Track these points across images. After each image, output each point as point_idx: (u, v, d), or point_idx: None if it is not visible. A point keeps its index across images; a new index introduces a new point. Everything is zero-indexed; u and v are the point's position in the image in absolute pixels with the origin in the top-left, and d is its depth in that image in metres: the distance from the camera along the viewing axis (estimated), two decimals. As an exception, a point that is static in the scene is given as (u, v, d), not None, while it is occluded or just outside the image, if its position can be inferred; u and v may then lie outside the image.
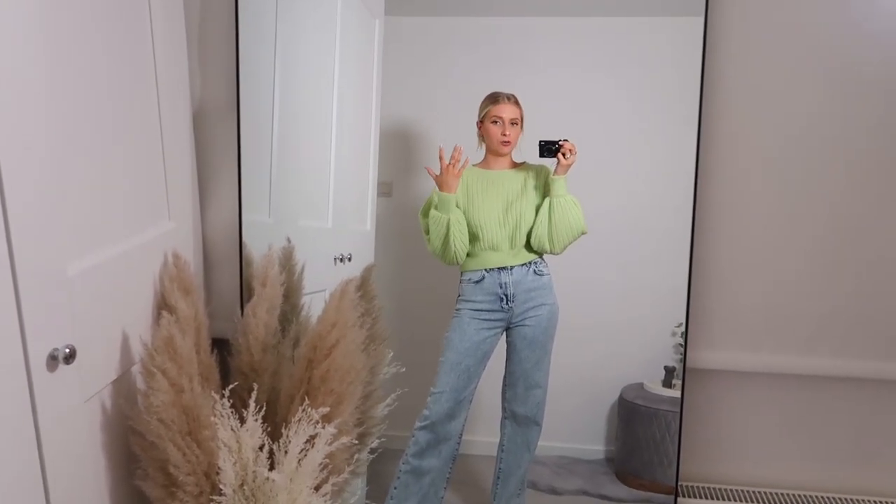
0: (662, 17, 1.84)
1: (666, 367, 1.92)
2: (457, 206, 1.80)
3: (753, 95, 1.75)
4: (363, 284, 1.78)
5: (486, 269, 1.82)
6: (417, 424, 1.84)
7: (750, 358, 1.88)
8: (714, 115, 1.76)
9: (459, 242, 1.80)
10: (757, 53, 1.73)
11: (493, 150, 1.83)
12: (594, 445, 2.03)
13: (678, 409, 1.86)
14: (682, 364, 1.87)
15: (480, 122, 1.82)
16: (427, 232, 1.83)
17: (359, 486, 1.91)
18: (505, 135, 1.80)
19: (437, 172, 1.78)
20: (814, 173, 1.78)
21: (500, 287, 1.82)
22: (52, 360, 1.20)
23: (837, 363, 1.85)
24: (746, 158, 1.78)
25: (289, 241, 1.79)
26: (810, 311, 1.85)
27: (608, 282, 1.95)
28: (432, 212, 1.80)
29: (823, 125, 1.75)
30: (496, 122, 1.80)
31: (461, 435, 1.89)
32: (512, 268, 1.82)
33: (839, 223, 1.79)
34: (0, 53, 1.06)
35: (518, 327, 1.84)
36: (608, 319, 1.96)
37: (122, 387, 1.46)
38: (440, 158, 1.77)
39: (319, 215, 1.93)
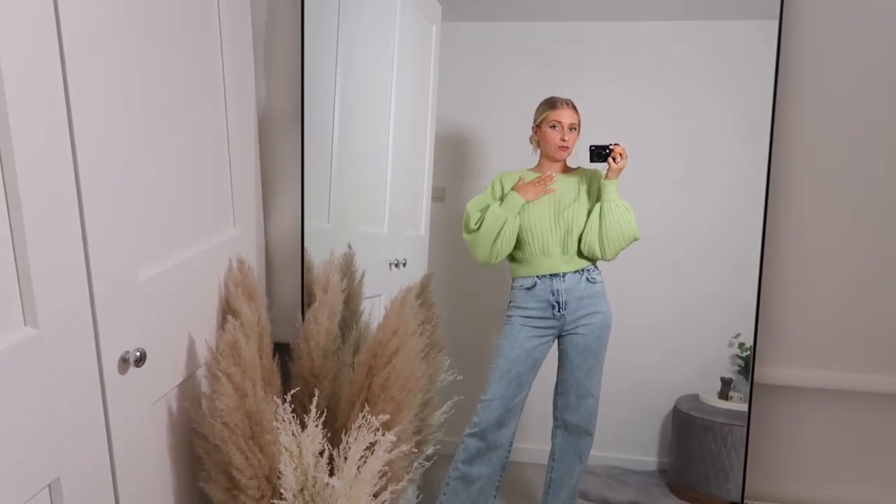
0: (722, 22, 1.80)
1: (722, 379, 1.88)
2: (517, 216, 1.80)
3: (830, 99, 1.70)
4: (422, 292, 1.79)
5: (537, 276, 1.81)
6: (467, 431, 1.84)
7: (821, 374, 1.83)
8: (787, 119, 1.72)
9: (506, 245, 1.80)
10: (836, 57, 1.68)
11: (550, 156, 1.82)
12: (647, 456, 2.00)
13: (735, 422, 1.83)
14: (739, 375, 1.84)
15: (537, 127, 1.81)
16: (476, 223, 1.82)
17: (411, 493, 1.92)
18: (564, 140, 1.79)
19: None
20: (895, 182, 1.73)
21: (553, 294, 1.81)
22: (123, 363, 1.23)
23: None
24: (822, 166, 1.73)
25: (349, 247, 1.81)
26: (886, 326, 1.79)
27: (664, 290, 1.92)
28: (494, 207, 1.80)
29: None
30: (555, 126, 1.79)
31: (511, 443, 1.88)
32: (564, 275, 1.81)
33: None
34: (79, 63, 1.09)
35: (570, 335, 1.83)
36: (663, 328, 1.93)
37: (188, 390, 1.49)
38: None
39: (376, 221, 1.94)
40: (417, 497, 1.93)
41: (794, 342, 1.84)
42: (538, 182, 1.80)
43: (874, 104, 1.69)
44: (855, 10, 1.65)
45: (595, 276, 1.82)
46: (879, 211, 1.74)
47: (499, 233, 1.79)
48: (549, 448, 1.91)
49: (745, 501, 1.88)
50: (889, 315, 1.79)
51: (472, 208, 1.84)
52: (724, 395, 1.89)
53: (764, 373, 1.85)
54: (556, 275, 1.81)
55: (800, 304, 1.82)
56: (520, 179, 1.81)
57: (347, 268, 1.77)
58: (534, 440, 1.96)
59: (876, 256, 1.77)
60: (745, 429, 1.83)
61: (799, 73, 1.70)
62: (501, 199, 1.82)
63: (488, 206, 1.82)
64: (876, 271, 1.77)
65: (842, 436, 1.90)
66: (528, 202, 1.80)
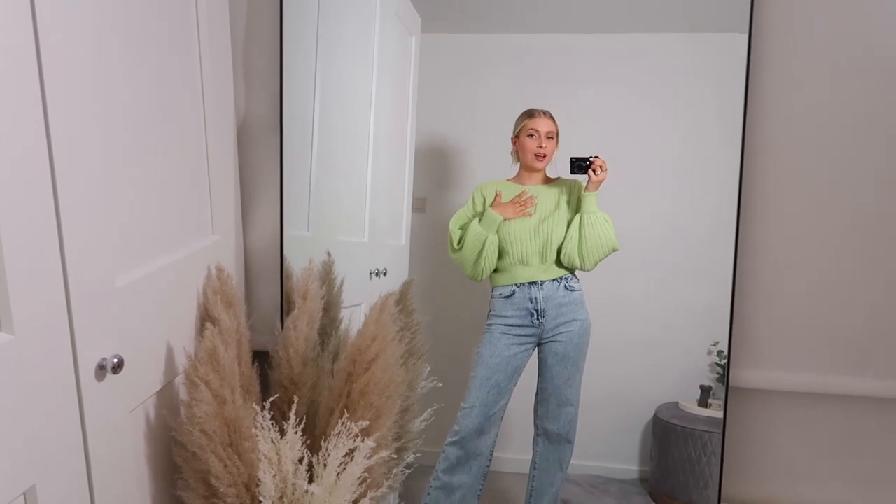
0: (699, 34, 1.84)
1: (702, 387, 1.90)
2: (497, 231, 1.81)
3: (799, 109, 1.73)
4: (402, 299, 1.79)
5: (516, 284, 1.82)
6: (448, 440, 1.83)
7: (795, 378, 1.85)
8: (758, 129, 1.75)
9: (489, 262, 1.82)
10: (803, 68, 1.72)
11: (528, 165, 1.83)
12: (627, 465, 2.01)
13: (714, 430, 1.84)
14: (718, 383, 1.85)
15: (515, 137, 1.83)
16: (458, 242, 1.84)
17: (391, 501, 1.91)
18: (541, 147, 1.81)
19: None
20: (864, 188, 1.75)
21: (531, 302, 1.82)
22: (101, 370, 1.23)
23: (887, 384, 1.81)
24: (791, 174, 1.77)
25: (329, 255, 1.81)
26: (858, 330, 1.81)
27: (643, 299, 1.93)
28: (474, 225, 1.81)
29: (873, 138, 1.72)
30: (532, 135, 1.81)
31: (492, 451, 1.88)
32: (542, 283, 1.82)
33: (890, 240, 1.76)
34: (56, 70, 1.09)
35: (549, 343, 1.84)
36: (643, 337, 1.94)
37: (166, 397, 1.48)
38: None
39: (356, 230, 1.95)
40: (398, 506, 1.93)
41: (767, 346, 1.86)
42: (517, 201, 1.82)
43: (840, 112, 1.73)
44: (818, 25, 1.69)
45: (573, 285, 1.83)
46: (848, 217, 1.78)
47: (480, 252, 1.80)
48: (530, 457, 1.91)
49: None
50: (859, 319, 1.81)
51: (454, 227, 1.85)
52: (703, 402, 1.90)
53: (739, 377, 1.86)
54: (534, 283, 1.82)
55: (773, 309, 1.84)
56: (496, 196, 1.82)
57: (327, 276, 1.77)
58: (515, 449, 1.96)
59: (846, 262, 1.80)
60: (722, 431, 1.85)
61: (769, 84, 1.74)
62: (482, 212, 1.83)
63: (469, 223, 1.83)
64: (846, 277, 1.80)
65: (816, 438, 1.92)
66: (502, 218, 1.81)
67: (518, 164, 1.86)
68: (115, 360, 1.24)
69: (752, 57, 1.71)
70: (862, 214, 1.77)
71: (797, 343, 1.85)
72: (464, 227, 1.83)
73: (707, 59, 1.83)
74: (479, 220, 1.81)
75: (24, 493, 1.08)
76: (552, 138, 1.82)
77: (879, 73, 1.70)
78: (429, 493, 1.86)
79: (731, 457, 1.92)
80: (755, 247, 1.81)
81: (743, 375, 1.86)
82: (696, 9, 1.82)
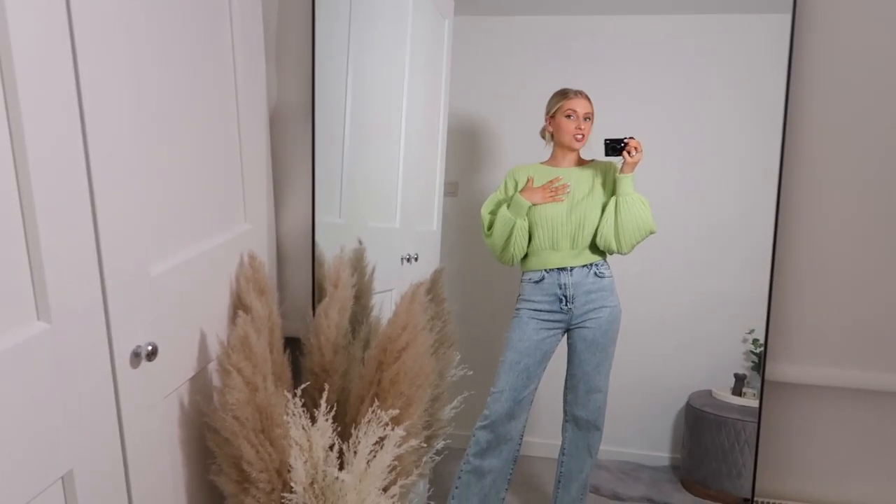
0: (736, 15, 1.79)
1: (736, 375, 1.87)
2: (526, 215, 1.80)
3: (843, 94, 1.68)
4: (433, 287, 1.79)
5: (545, 270, 1.81)
6: (478, 424, 1.84)
7: (832, 372, 1.82)
8: (800, 115, 1.70)
9: (519, 247, 1.81)
10: (848, 52, 1.66)
11: (566, 146, 1.81)
12: (659, 452, 2.00)
13: (748, 419, 1.82)
14: (752, 371, 1.83)
15: (551, 118, 1.81)
16: (489, 227, 1.83)
17: (422, 486, 1.93)
18: (580, 129, 1.78)
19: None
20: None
21: (560, 288, 1.81)
22: (136, 357, 1.24)
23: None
24: (834, 162, 1.72)
25: (360, 242, 1.81)
26: (897, 325, 1.78)
27: (677, 285, 1.91)
28: (503, 210, 1.80)
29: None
30: (570, 116, 1.78)
31: (522, 436, 1.88)
32: (572, 269, 1.80)
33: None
34: (92, 58, 1.10)
35: (578, 329, 1.83)
36: (676, 323, 1.92)
37: (199, 384, 1.50)
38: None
39: (388, 216, 1.95)
40: (428, 490, 1.94)
41: (805, 340, 1.82)
42: (547, 187, 1.80)
43: (886, 98, 1.67)
44: (870, 3, 1.63)
45: (603, 271, 1.82)
46: (893, 209, 1.73)
47: (509, 237, 1.80)
48: (559, 443, 1.91)
49: (755, 498, 1.87)
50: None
51: (485, 211, 1.85)
52: (737, 391, 1.88)
53: (775, 370, 1.84)
54: (563, 269, 1.81)
55: (811, 301, 1.80)
56: (528, 181, 1.81)
57: (358, 263, 1.77)
58: (544, 435, 1.96)
59: (888, 255, 1.75)
60: (757, 425, 1.83)
61: (812, 69, 1.68)
62: (513, 196, 1.82)
63: (499, 207, 1.82)
64: (888, 270, 1.76)
65: (853, 434, 1.88)
66: (531, 204, 1.80)
67: (551, 145, 1.84)
68: (150, 348, 1.26)
69: (794, 39, 1.65)
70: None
71: (837, 337, 1.81)
72: (494, 212, 1.82)
73: (745, 41, 1.78)
74: (509, 205, 1.79)
75: (62, 478, 1.11)
76: (589, 119, 1.79)
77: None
78: (459, 477, 1.87)
79: (765, 451, 1.90)
80: (795, 237, 1.77)
81: (780, 369, 1.83)
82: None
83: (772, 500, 1.93)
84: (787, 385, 1.86)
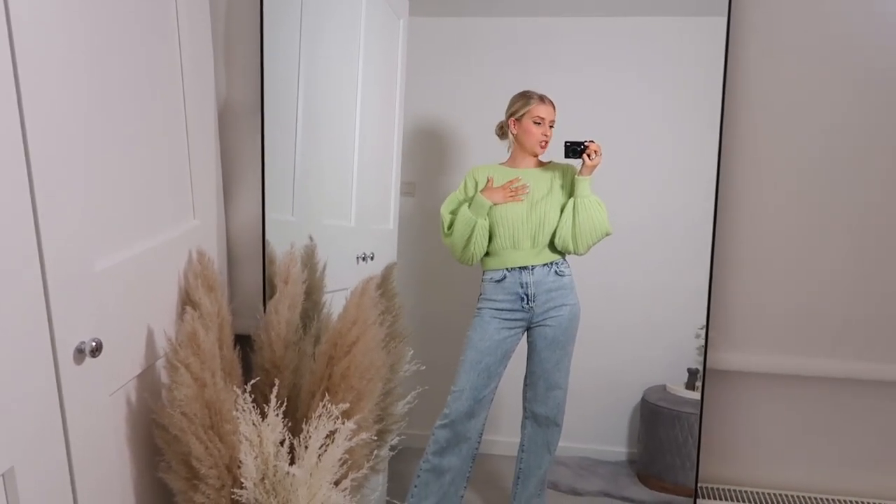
0: (685, 17, 1.82)
1: (689, 370, 1.90)
2: (487, 215, 1.81)
3: (776, 94, 1.73)
4: (384, 282, 1.80)
5: (507, 269, 1.83)
6: (437, 423, 1.85)
7: (771, 359, 1.86)
8: (736, 114, 1.75)
9: (479, 246, 1.82)
10: (780, 52, 1.71)
11: (530, 150, 1.82)
12: (616, 447, 2.02)
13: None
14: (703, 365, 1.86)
15: (516, 121, 1.82)
16: (449, 227, 1.84)
17: (379, 482, 1.93)
18: (546, 135, 1.80)
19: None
20: (838, 172, 1.76)
21: (521, 287, 1.82)
22: (79, 354, 1.23)
23: (861, 366, 1.83)
24: (768, 157, 1.77)
25: (311, 239, 1.81)
26: (833, 312, 1.82)
27: (632, 283, 1.94)
28: (464, 210, 1.81)
29: (848, 123, 1.72)
30: (538, 122, 1.80)
31: (481, 434, 1.89)
32: (533, 268, 1.82)
33: (864, 223, 1.77)
34: (31, 54, 1.09)
35: (539, 327, 1.84)
36: (631, 321, 1.95)
37: (147, 381, 1.49)
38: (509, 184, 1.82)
39: (342, 214, 1.95)
40: (386, 487, 1.94)
41: (744, 329, 1.87)
42: (507, 187, 1.81)
43: (819, 96, 1.73)
44: (799, 8, 1.69)
45: (563, 270, 1.83)
46: (825, 200, 1.78)
47: (469, 237, 1.80)
48: (518, 440, 1.92)
49: (699, 484, 1.90)
50: (834, 302, 1.82)
51: (445, 211, 1.85)
52: (690, 385, 1.91)
53: (716, 359, 1.87)
54: (525, 268, 1.82)
55: (749, 291, 1.85)
56: (488, 181, 1.82)
57: (309, 259, 1.77)
58: (504, 432, 1.97)
59: (821, 247, 1.80)
60: (699, 413, 1.86)
61: (746, 70, 1.73)
62: (473, 197, 1.83)
63: (460, 207, 1.83)
64: (821, 261, 1.81)
65: (793, 419, 1.93)
66: (492, 204, 1.81)
67: (512, 146, 1.85)
68: (94, 344, 1.25)
69: (730, 41, 1.70)
70: (837, 201, 1.78)
71: (774, 326, 1.86)
72: (454, 212, 1.83)
73: (695, 42, 1.82)
74: (469, 204, 1.80)
75: (3, 475, 1.09)
76: (552, 126, 1.81)
77: (855, 57, 1.70)
78: (418, 476, 1.88)
79: (708, 438, 1.93)
80: (732, 233, 1.82)
81: (720, 357, 1.87)
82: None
83: (715, 486, 1.96)
84: (728, 373, 1.90)
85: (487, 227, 1.81)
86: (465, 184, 1.85)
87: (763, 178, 1.78)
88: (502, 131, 1.85)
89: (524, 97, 1.81)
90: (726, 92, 1.72)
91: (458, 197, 1.84)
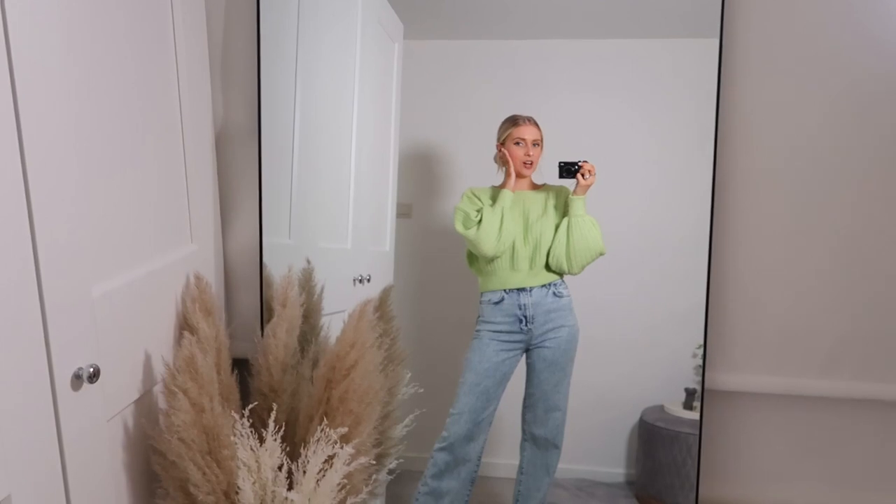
0: (678, 39, 1.84)
1: (686, 390, 1.90)
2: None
3: (769, 114, 1.75)
4: (381, 305, 1.80)
5: (505, 290, 1.83)
6: (436, 446, 1.84)
7: (770, 380, 1.86)
8: (729, 134, 1.76)
9: (509, 232, 1.81)
10: (772, 73, 1.73)
11: (516, 171, 1.83)
12: (614, 468, 2.01)
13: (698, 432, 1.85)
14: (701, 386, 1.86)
15: (501, 144, 1.84)
16: (478, 220, 1.81)
17: (378, 507, 1.92)
18: (529, 155, 1.82)
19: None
20: (833, 191, 1.76)
21: (520, 308, 1.82)
22: (77, 380, 1.22)
23: (859, 385, 1.83)
24: (763, 178, 1.78)
25: (308, 262, 1.81)
26: (831, 332, 1.82)
27: (628, 303, 1.94)
28: (486, 206, 1.82)
29: (841, 143, 1.74)
30: (519, 143, 1.82)
31: (480, 457, 1.88)
32: (531, 289, 1.82)
33: (860, 242, 1.78)
34: (31, 80, 1.09)
35: (537, 349, 1.84)
36: (628, 341, 1.95)
37: (144, 406, 1.48)
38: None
39: (339, 237, 1.95)
40: (384, 513, 1.93)
41: (743, 349, 1.87)
42: (515, 164, 1.82)
43: (813, 116, 1.74)
44: (789, 29, 1.71)
45: (562, 291, 1.84)
46: (821, 221, 1.79)
47: (501, 219, 1.80)
48: (517, 462, 1.92)
49: (699, 505, 1.90)
50: (833, 321, 1.82)
51: (466, 206, 1.84)
52: (688, 405, 1.90)
53: (715, 379, 1.87)
54: (523, 289, 1.82)
55: (746, 311, 1.85)
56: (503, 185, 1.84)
57: (306, 282, 1.77)
58: (503, 454, 1.96)
59: (819, 265, 1.81)
60: (699, 434, 1.85)
61: (740, 88, 1.75)
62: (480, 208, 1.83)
63: (480, 208, 1.83)
64: (819, 280, 1.82)
65: (791, 439, 1.92)
66: (514, 193, 1.82)
67: (504, 171, 1.86)
68: (92, 370, 1.24)
69: (723, 61, 1.72)
70: (835, 218, 1.78)
71: (772, 346, 1.86)
72: (479, 210, 1.83)
73: (685, 64, 1.84)
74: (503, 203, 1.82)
75: (-1, 503, 1.09)
76: (538, 145, 1.82)
77: (845, 76, 1.71)
78: (417, 499, 1.87)
79: (708, 459, 1.92)
80: (728, 251, 1.82)
81: (719, 378, 1.87)
82: (671, 14, 1.82)
83: (715, 507, 1.95)
84: (726, 393, 1.89)
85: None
86: (469, 198, 1.84)
87: (758, 197, 1.79)
88: (496, 158, 1.87)
89: (507, 122, 1.84)
90: (720, 112, 1.73)
91: (468, 205, 1.84)
